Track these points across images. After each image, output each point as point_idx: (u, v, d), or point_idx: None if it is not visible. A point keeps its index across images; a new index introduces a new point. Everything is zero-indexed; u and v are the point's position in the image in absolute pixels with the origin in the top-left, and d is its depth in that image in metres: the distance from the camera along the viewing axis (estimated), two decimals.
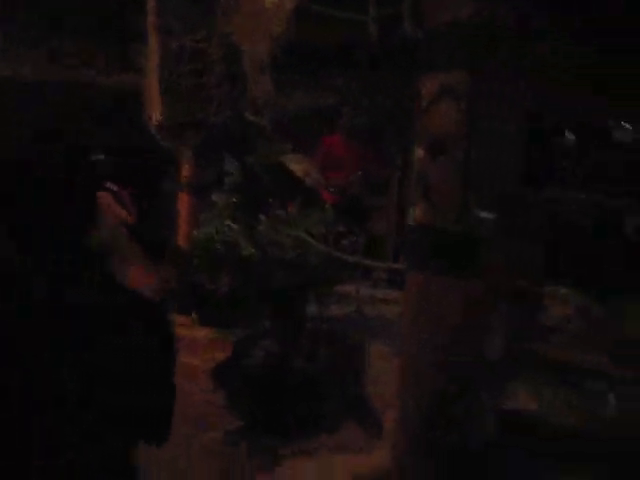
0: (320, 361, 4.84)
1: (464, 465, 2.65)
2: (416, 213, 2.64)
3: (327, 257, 4.90)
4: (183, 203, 7.75)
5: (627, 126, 5.85)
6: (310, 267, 4.81)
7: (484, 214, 2.51)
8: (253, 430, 4.47)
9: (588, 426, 3.49)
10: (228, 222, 4.85)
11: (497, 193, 2.57)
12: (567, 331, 4.61)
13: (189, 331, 6.51)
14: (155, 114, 6.60)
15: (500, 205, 2.55)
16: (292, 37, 4.32)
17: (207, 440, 4.39)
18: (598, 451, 3.22)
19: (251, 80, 4.64)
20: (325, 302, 5.01)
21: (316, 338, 4.98)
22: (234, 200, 5.68)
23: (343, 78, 5.79)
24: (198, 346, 5.41)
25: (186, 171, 7.57)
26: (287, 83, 5.24)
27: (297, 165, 5.59)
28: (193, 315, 6.39)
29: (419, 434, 2.70)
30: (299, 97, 5.68)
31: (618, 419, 3.63)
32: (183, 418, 4.50)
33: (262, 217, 4.79)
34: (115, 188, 1.68)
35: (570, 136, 5.96)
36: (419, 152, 2.65)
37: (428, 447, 2.66)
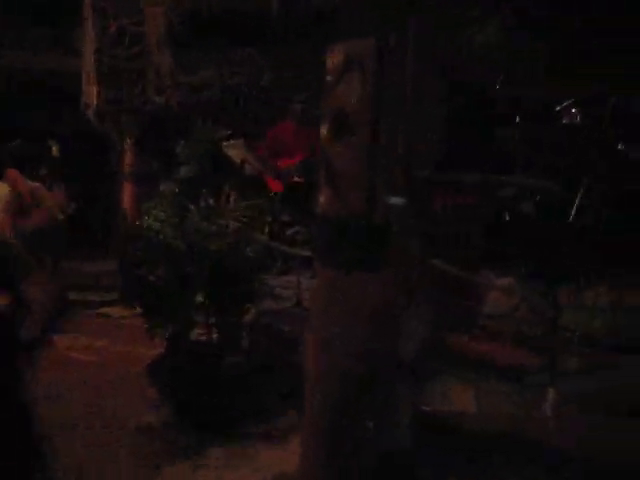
0: (256, 355, 4.65)
1: (374, 464, 2.43)
2: (321, 200, 2.39)
3: (265, 248, 4.70)
4: (127, 192, 7.51)
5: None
6: (246, 258, 4.59)
7: (393, 200, 2.28)
8: (186, 425, 4.30)
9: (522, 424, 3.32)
10: (156, 211, 4.61)
11: (408, 176, 2.34)
12: (515, 319, 4.45)
13: (131, 323, 6.35)
14: (92, 99, 6.34)
15: (412, 190, 2.32)
16: (187, 6, 4.03)
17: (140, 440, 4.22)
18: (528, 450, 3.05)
19: (154, 57, 4.36)
20: (263, 294, 4.81)
21: (253, 331, 4.79)
22: (176, 189, 5.46)
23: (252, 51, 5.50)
24: (138, 338, 5.25)
25: (128, 159, 7.32)
26: (190, 58, 4.94)
27: (233, 151, 5.34)
28: (136, 307, 6.18)
29: (325, 429, 2.47)
30: (205, 74, 5.38)
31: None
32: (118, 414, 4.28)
33: (191, 207, 4.55)
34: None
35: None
36: (323, 132, 2.40)
37: (334, 444, 2.44)
